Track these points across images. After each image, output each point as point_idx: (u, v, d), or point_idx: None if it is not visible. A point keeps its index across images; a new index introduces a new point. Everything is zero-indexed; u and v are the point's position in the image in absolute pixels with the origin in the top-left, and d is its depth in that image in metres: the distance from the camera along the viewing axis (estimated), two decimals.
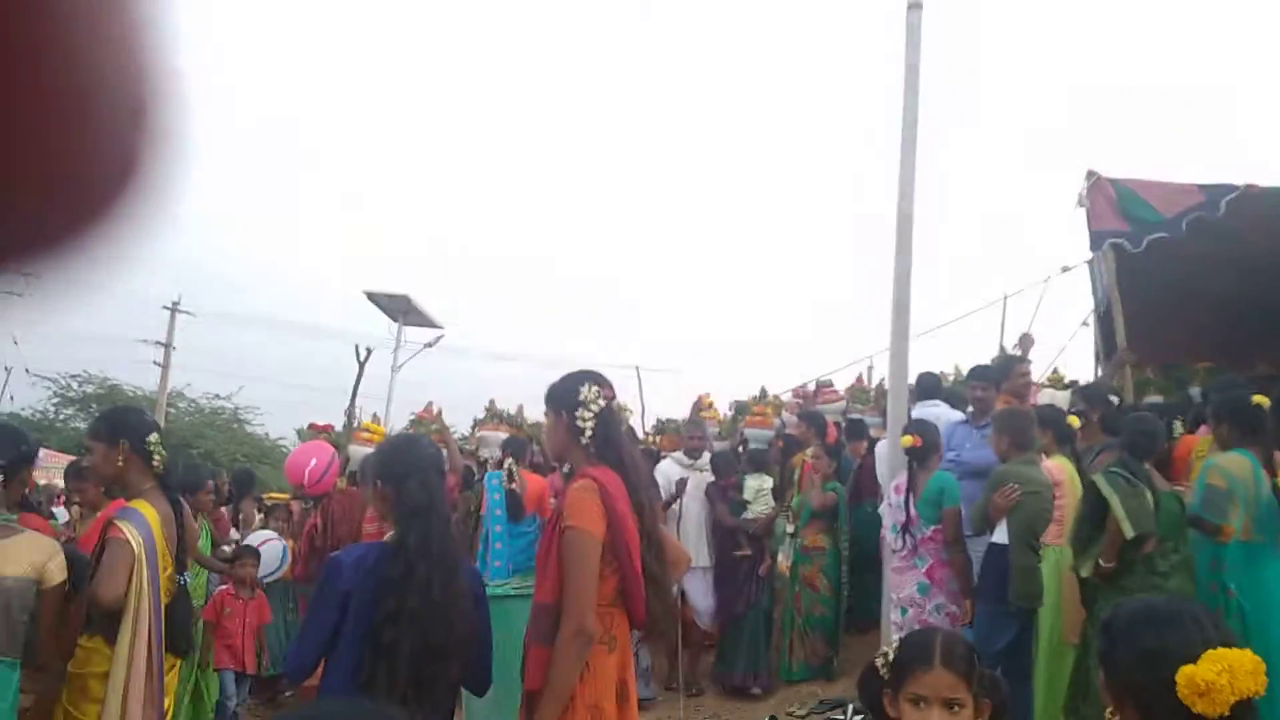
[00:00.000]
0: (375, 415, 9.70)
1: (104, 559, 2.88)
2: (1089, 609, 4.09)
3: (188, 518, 3.33)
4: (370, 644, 2.25)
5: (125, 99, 0.42)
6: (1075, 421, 5.09)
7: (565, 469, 4.26)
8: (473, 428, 8.87)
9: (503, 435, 8.24)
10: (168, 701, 3.13)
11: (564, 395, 2.61)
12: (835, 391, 8.92)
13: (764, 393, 9.14)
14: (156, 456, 3.13)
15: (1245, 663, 1.37)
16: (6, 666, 2.84)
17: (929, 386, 6.47)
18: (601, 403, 2.60)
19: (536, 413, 8.38)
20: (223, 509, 6.89)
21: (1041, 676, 4.38)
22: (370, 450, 7.12)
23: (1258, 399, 4.38)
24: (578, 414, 2.55)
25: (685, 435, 7.03)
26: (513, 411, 9.38)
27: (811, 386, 9.35)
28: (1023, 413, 4.75)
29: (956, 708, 1.78)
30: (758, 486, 6.46)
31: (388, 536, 2.44)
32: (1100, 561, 3.92)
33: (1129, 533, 3.82)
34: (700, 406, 9.22)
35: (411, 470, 2.48)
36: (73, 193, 0.42)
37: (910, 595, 4.71)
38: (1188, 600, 1.57)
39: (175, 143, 0.45)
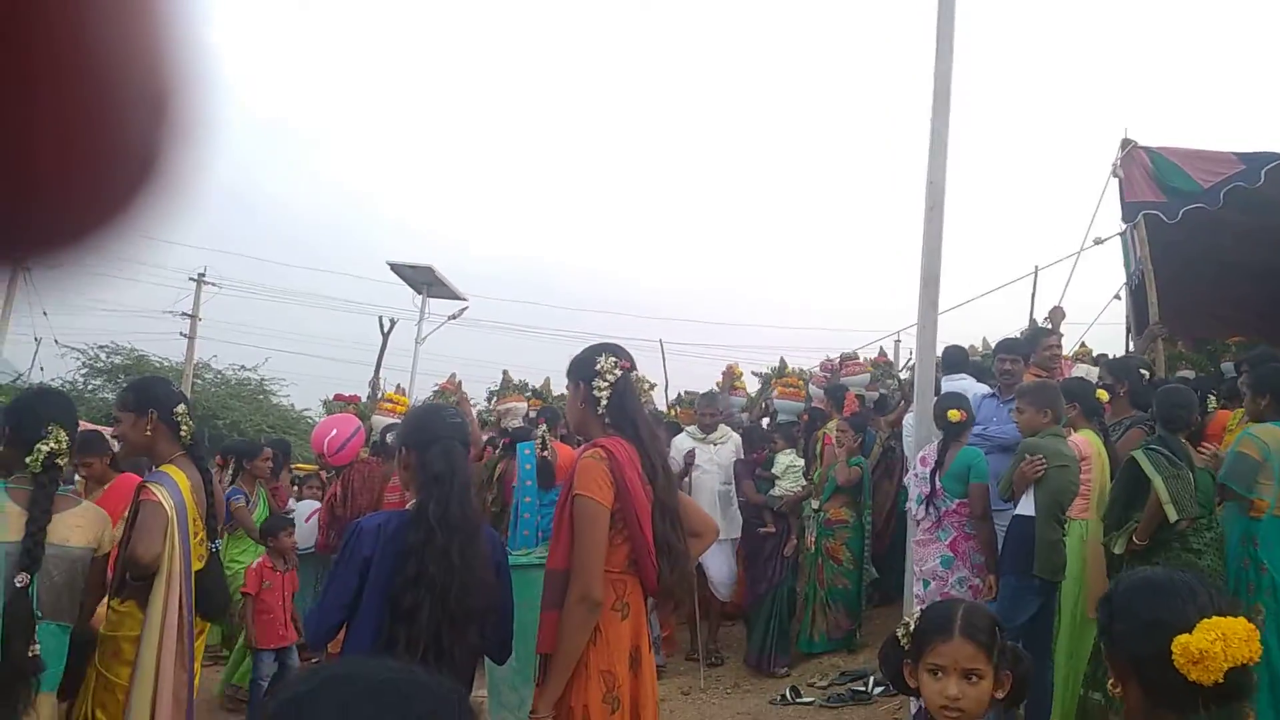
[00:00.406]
0: (399, 386, 9.73)
1: (139, 520, 2.91)
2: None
3: (216, 487, 3.37)
4: (390, 610, 2.26)
5: (147, 90, 0.42)
6: (1103, 395, 5.02)
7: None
8: (489, 398, 8.78)
9: (524, 406, 8.25)
10: (195, 665, 3.18)
11: (582, 366, 2.65)
12: (859, 364, 8.82)
13: (783, 364, 9.01)
14: (184, 427, 3.17)
15: (1239, 630, 1.38)
16: (62, 630, 2.89)
17: (955, 360, 6.40)
18: (618, 373, 2.63)
19: (560, 385, 8.34)
20: (279, 480, 6.98)
21: (1063, 649, 4.35)
22: (392, 420, 7.18)
23: None
24: (594, 384, 2.60)
25: (698, 409, 6.95)
26: (537, 384, 9.38)
27: (837, 359, 9.28)
28: (1049, 386, 4.69)
29: (975, 678, 1.77)
30: (788, 463, 6.34)
31: (410, 504, 2.45)
32: (1134, 539, 3.87)
33: (1173, 516, 3.77)
34: (732, 376, 9.08)
35: (435, 438, 2.48)
36: (94, 185, 0.43)
37: (933, 568, 4.68)
38: (1186, 571, 1.58)
39: (198, 128, 0.45)
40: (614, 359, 2.64)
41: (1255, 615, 3.74)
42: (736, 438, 6.65)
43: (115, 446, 4.26)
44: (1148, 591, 1.54)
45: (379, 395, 10.31)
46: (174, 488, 3.00)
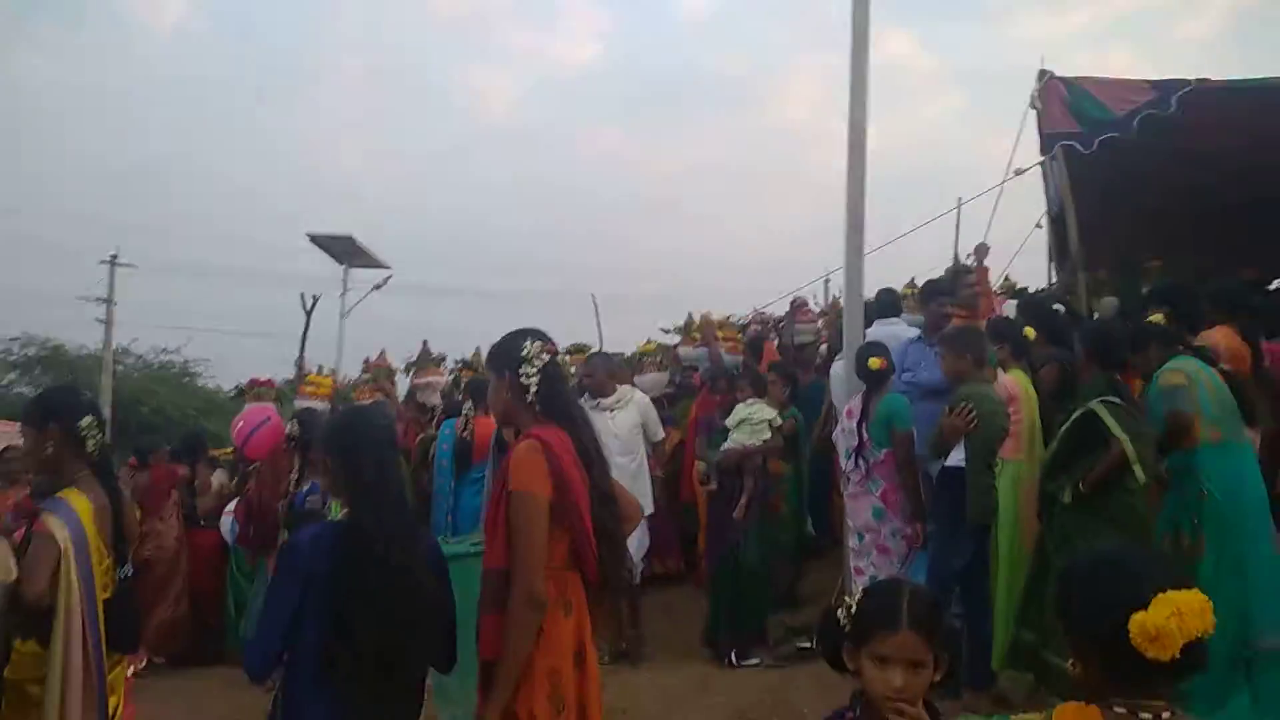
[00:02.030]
0: (320, 367, 9.37)
1: (28, 554, 2.72)
2: (1049, 526, 4.06)
3: (127, 507, 3.17)
4: (333, 626, 2.20)
5: None
6: (1030, 333, 5.01)
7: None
8: (407, 370, 8.41)
9: (442, 380, 8.00)
10: (114, 700, 3.00)
11: (506, 354, 2.56)
12: (810, 311, 8.66)
13: (691, 320, 8.68)
14: (91, 441, 2.97)
15: (1193, 604, 1.40)
16: None
17: (888, 304, 6.35)
18: (545, 358, 2.55)
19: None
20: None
21: (1002, 590, 4.40)
22: (315, 404, 6.91)
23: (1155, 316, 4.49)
24: (521, 371, 2.51)
25: (581, 372, 6.31)
26: (468, 355, 9.08)
27: (773, 310, 9.18)
28: (968, 330, 4.66)
29: (919, 668, 1.77)
30: (744, 415, 5.67)
31: (341, 515, 2.40)
32: (1081, 487, 3.88)
33: (1141, 478, 3.78)
34: (693, 327, 8.48)
35: (363, 445, 2.41)
36: None
37: (866, 521, 4.67)
38: (1138, 546, 1.62)
39: None
40: (539, 344, 2.55)
41: (1197, 552, 3.80)
42: (641, 400, 6.02)
43: None
44: (1104, 570, 1.55)
45: (303, 376, 9.98)
46: (69, 515, 2.79)
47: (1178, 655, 1.38)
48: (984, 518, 4.18)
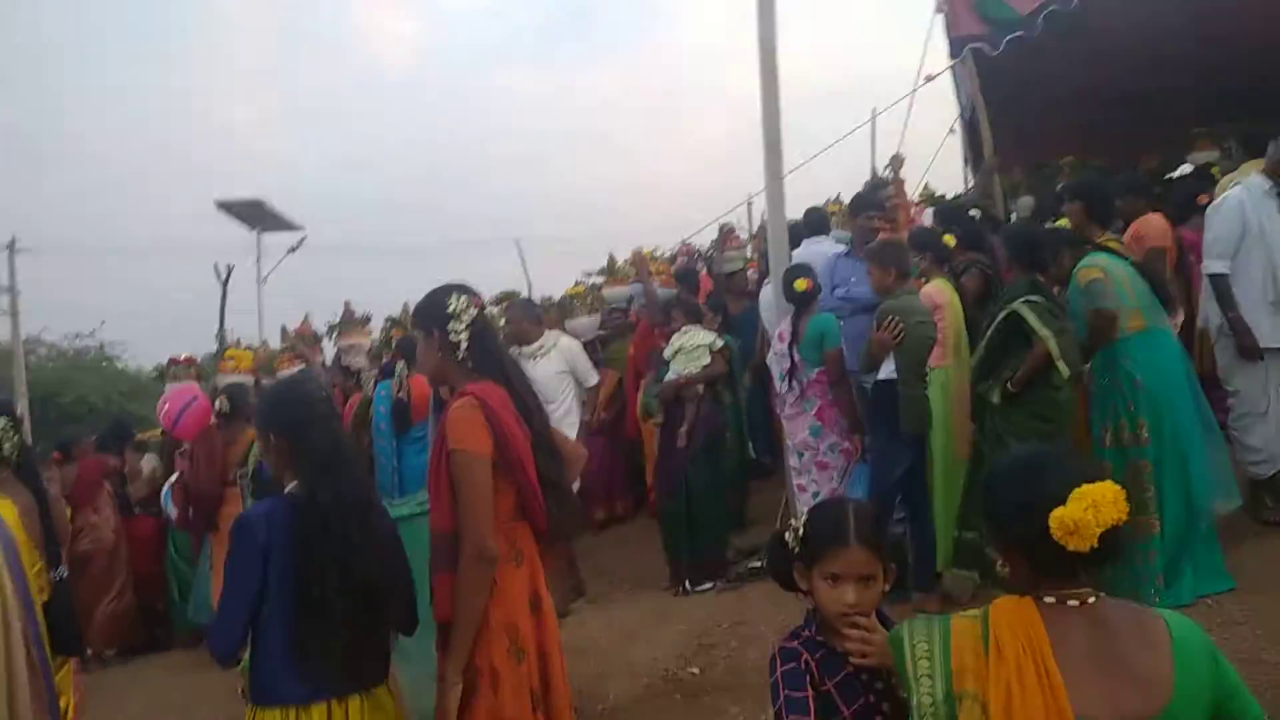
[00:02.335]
0: (238, 340, 9.04)
1: None
2: (982, 427, 4.17)
3: (55, 505, 3.08)
4: (298, 603, 2.16)
5: None
6: (950, 240, 5.07)
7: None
8: (330, 334, 8.14)
9: (367, 342, 7.79)
10: (64, 700, 2.97)
11: (432, 311, 2.53)
12: (738, 238, 8.62)
13: (612, 262, 8.43)
14: (8, 445, 2.90)
15: (1107, 494, 1.46)
16: None
17: (816, 223, 6.35)
18: (473, 312, 2.51)
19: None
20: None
21: (939, 495, 4.53)
22: (233, 380, 6.67)
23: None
24: (449, 328, 2.48)
25: (509, 315, 6.12)
26: (395, 313, 8.82)
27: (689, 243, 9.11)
28: (890, 243, 4.68)
29: (870, 582, 1.82)
30: (679, 344, 5.57)
31: (290, 487, 2.30)
32: (1009, 387, 3.97)
33: (1065, 373, 3.87)
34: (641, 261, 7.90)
35: (309, 418, 2.34)
36: None
37: (804, 439, 4.74)
38: (1053, 448, 1.80)
39: None
40: (465, 298, 2.51)
41: (1140, 440, 3.95)
42: (567, 345, 5.84)
43: None
44: (1022, 473, 1.61)
45: (227, 347, 9.65)
46: None
47: (1095, 545, 1.44)
48: (919, 427, 4.26)
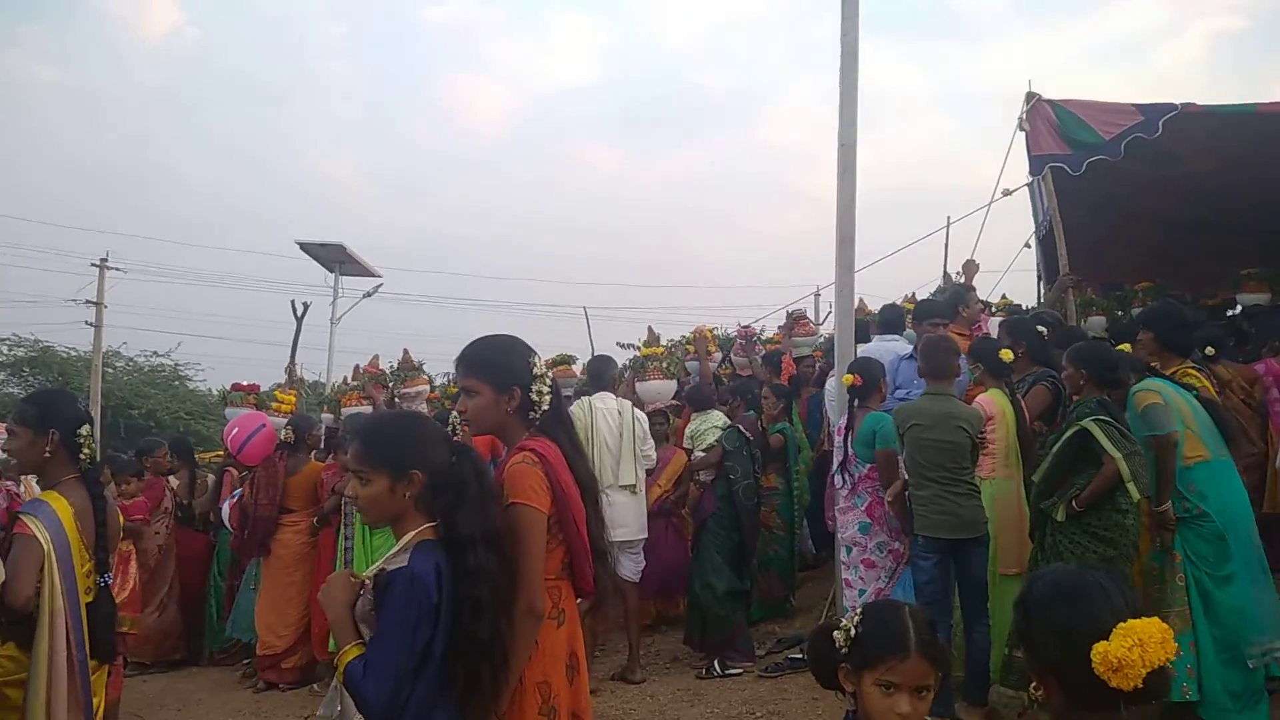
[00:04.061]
0: (294, 373, 9.26)
1: (10, 557, 2.71)
2: (1041, 544, 4.10)
3: (111, 513, 3.15)
4: (450, 639, 2.07)
5: None
6: (1008, 356, 5.04)
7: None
8: (393, 378, 8.28)
9: (426, 388, 7.94)
10: (95, 701, 2.99)
11: (510, 370, 2.45)
12: (809, 323, 8.61)
13: (652, 334, 8.27)
14: (86, 449, 3.00)
15: (1154, 633, 1.40)
16: None
17: (892, 320, 6.40)
18: (550, 375, 2.51)
19: None
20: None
21: (993, 606, 4.42)
22: (282, 421, 6.80)
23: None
24: (533, 389, 2.44)
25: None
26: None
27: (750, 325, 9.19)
28: (937, 341, 4.66)
29: (925, 692, 1.77)
30: (690, 430, 5.93)
31: (419, 532, 2.15)
32: (1074, 505, 3.91)
33: (1135, 496, 3.83)
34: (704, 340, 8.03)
35: (438, 443, 2.24)
36: None
37: (853, 535, 4.72)
38: (1094, 571, 1.58)
39: None
40: (538, 358, 2.51)
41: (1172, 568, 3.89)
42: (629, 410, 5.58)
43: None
44: (1062, 597, 1.53)
45: (294, 381, 9.99)
46: (51, 519, 2.80)
47: (1140, 685, 1.38)
48: (931, 530, 4.18)
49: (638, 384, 7.15)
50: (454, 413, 5.86)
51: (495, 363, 2.48)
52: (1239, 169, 7.33)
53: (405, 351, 8.50)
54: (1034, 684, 1.56)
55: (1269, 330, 6.44)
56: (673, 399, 7.05)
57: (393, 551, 2.17)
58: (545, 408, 2.46)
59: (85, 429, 2.99)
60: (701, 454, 5.81)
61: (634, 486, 5.32)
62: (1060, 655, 1.47)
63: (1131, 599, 1.48)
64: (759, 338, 8.95)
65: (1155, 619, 1.43)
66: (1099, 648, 1.39)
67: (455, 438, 5.54)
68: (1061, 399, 4.84)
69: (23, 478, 4.51)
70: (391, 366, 8.38)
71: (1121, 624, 1.41)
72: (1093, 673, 1.39)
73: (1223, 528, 3.92)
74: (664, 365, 7.40)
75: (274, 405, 7.70)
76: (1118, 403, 4.23)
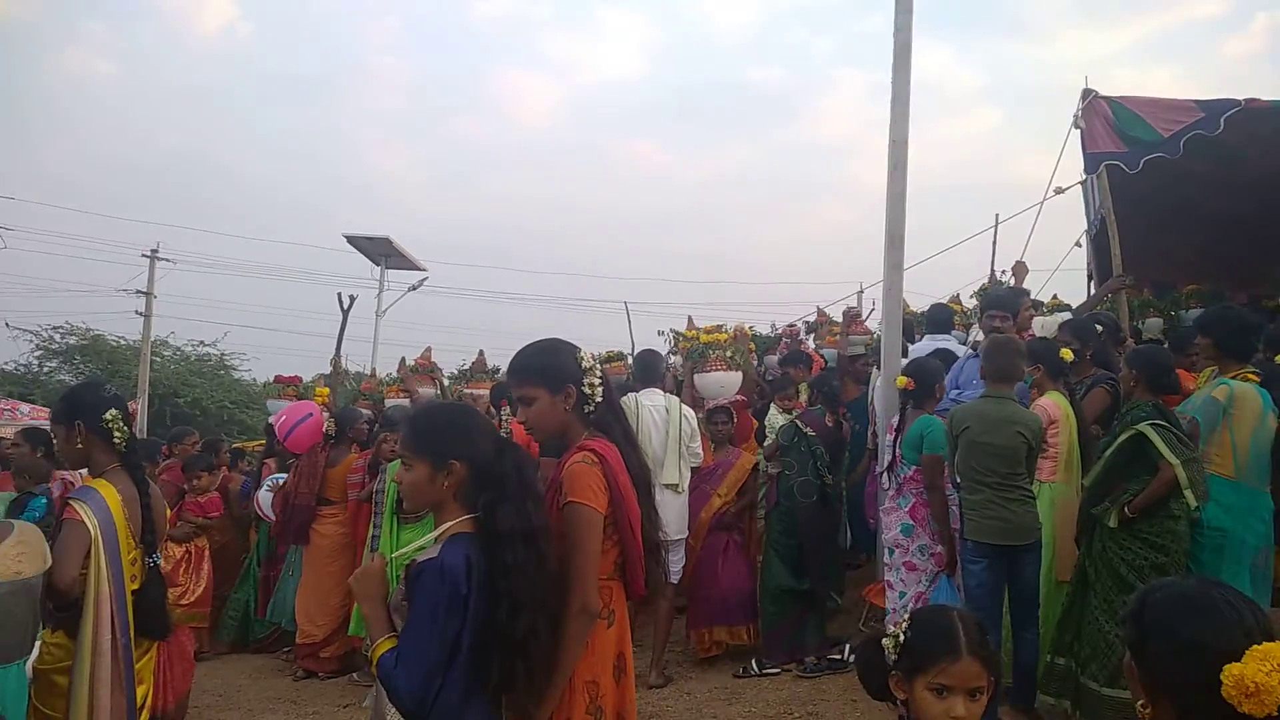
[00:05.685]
0: (330, 373, 9.34)
1: (58, 542, 2.75)
2: (1089, 550, 4.00)
3: (155, 498, 3.18)
4: (481, 632, 2.05)
5: None
6: (1068, 354, 4.93)
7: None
8: (461, 378, 8.27)
9: (485, 394, 7.97)
10: (142, 689, 3.03)
11: (562, 369, 2.43)
12: (863, 323, 8.33)
13: (691, 324, 7.64)
14: (117, 434, 3.02)
15: None
16: (17, 666, 2.64)
17: (941, 320, 6.28)
18: (600, 369, 2.49)
19: None
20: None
21: (1043, 614, 4.31)
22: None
23: None
24: (585, 383, 2.43)
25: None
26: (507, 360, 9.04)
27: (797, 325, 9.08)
28: (1005, 343, 4.53)
29: (978, 694, 1.74)
30: (770, 419, 6.06)
31: (456, 523, 2.14)
32: (1128, 511, 3.83)
33: (1193, 503, 3.75)
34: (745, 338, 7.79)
35: (484, 436, 2.22)
36: None
37: (895, 536, 4.63)
38: (1219, 585, 1.45)
39: None
40: (585, 352, 2.49)
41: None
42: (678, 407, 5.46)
43: None
44: (1187, 609, 1.40)
45: (339, 372, 10.10)
46: (99, 505, 2.83)
47: (1274, 714, 1.25)
48: (976, 535, 4.08)
49: (696, 376, 6.38)
50: (504, 410, 5.88)
51: (545, 365, 2.45)
52: None
53: (480, 353, 8.54)
54: (1142, 702, 1.45)
55: None
56: (738, 394, 6.27)
57: (425, 539, 2.18)
58: (599, 399, 2.45)
59: (112, 413, 3.00)
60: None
61: (677, 485, 5.28)
62: (1182, 674, 1.35)
63: (1262, 619, 1.37)
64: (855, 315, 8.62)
65: None
66: (1232, 669, 1.27)
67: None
68: (1119, 402, 4.71)
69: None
70: (461, 367, 8.39)
71: (1256, 646, 1.29)
72: (1218, 695, 1.28)
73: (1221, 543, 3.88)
74: (728, 354, 6.39)
75: (312, 398, 7.80)
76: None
